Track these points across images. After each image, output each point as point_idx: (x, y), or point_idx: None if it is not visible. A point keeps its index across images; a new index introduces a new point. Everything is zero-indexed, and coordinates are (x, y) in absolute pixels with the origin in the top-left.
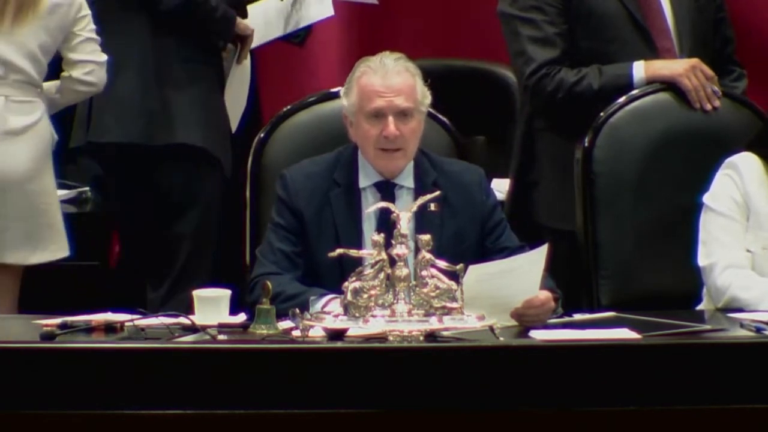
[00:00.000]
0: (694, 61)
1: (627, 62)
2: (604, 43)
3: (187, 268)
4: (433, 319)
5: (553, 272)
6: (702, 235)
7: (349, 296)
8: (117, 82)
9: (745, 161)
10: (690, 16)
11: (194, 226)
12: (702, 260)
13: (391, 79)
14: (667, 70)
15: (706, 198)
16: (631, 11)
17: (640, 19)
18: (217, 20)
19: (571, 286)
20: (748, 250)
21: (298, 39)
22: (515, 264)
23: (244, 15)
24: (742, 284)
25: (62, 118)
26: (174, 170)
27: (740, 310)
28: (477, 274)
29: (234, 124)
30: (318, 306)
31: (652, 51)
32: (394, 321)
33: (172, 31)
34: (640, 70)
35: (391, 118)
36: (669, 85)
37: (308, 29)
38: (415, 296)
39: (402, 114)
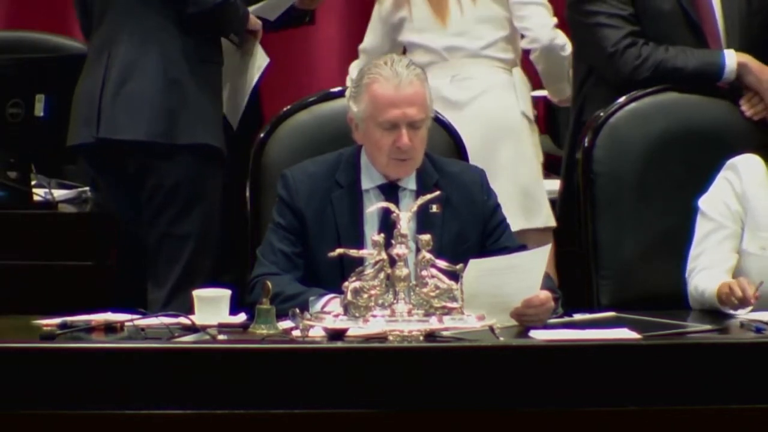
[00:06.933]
0: None
1: (715, 50)
2: (656, 41)
3: (190, 267)
4: (433, 319)
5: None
6: (694, 238)
7: (349, 296)
8: (136, 81)
9: (747, 162)
10: (740, 18)
11: (199, 225)
12: (688, 264)
13: (405, 90)
14: (756, 76)
15: (701, 201)
16: (686, 10)
17: (695, 18)
18: (240, 19)
19: (571, 286)
20: (745, 251)
21: (309, 20)
22: (516, 261)
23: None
24: (700, 285)
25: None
26: (181, 170)
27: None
28: (477, 269)
29: (236, 119)
30: (318, 306)
31: None
32: (394, 321)
33: (192, 31)
34: (732, 60)
35: (404, 130)
36: (671, 85)
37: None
38: (415, 296)
39: (414, 125)
